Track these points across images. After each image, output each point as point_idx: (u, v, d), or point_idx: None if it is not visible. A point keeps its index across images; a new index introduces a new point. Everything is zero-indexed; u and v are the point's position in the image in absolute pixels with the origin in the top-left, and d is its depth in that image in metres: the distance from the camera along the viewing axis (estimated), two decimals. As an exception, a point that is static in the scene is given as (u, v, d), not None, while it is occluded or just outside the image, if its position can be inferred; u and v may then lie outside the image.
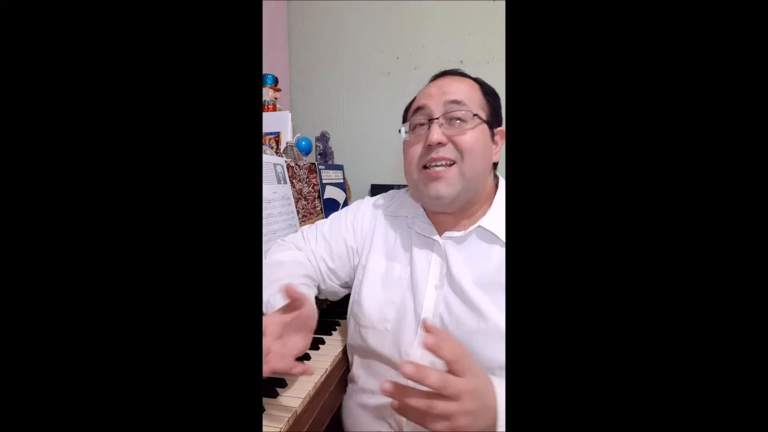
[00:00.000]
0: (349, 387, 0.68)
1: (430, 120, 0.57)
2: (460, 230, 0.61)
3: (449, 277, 0.59)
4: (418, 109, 0.60)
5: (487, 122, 0.58)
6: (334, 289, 0.72)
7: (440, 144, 0.56)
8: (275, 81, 1.18)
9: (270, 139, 1.11)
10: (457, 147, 0.56)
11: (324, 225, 0.74)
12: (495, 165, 0.64)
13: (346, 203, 1.22)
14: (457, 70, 0.64)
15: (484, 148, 0.58)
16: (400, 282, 0.63)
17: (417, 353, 0.56)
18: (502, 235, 0.58)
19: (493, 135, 0.60)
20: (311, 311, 0.54)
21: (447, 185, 0.57)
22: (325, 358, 0.71)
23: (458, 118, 0.56)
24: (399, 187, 1.31)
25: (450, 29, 1.28)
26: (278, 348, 0.49)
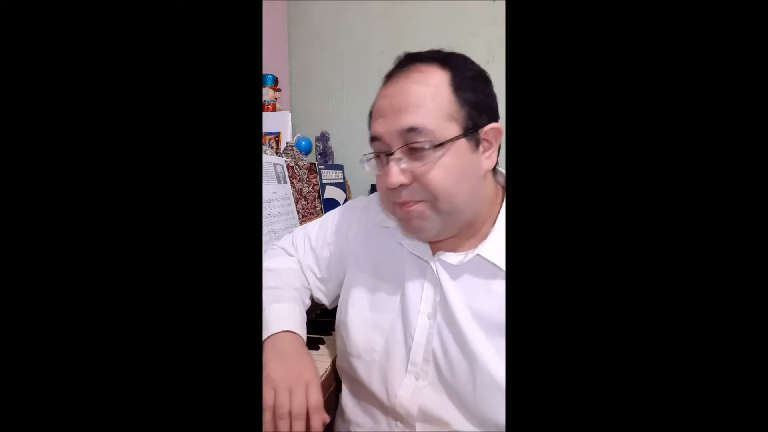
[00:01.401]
0: (338, 414, 0.62)
1: (387, 155, 0.45)
2: (458, 252, 0.50)
3: (444, 306, 0.49)
4: (372, 138, 0.47)
5: (465, 133, 0.44)
6: (323, 301, 0.66)
7: (403, 185, 0.44)
8: (275, 81, 1.18)
9: (270, 139, 1.11)
10: (425, 186, 0.44)
11: (312, 231, 0.66)
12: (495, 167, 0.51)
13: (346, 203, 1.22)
14: (417, 55, 0.48)
15: (463, 174, 0.45)
16: (389, 305, 0.54)
17: (406, 394, 0.50)
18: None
19: (478, 142, 0.46)
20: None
21: (424, 221, 0.46)
22: (325, 358, 0.71)
23: (421, 149, 0.43)
24: (399, 187, 1.31)
25: (450, 29, 1.28)
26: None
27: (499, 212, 0.50)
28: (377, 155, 0.48)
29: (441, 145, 0.43)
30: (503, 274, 0.47)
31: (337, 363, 0.62)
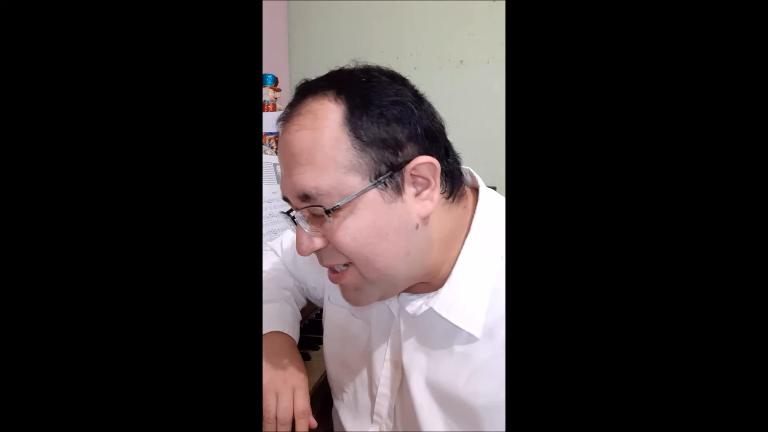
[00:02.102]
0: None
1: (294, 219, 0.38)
2: (420, 295, 0.41)
3: (406, 361, 0.43)
4: (282, 196, 0.40)
5: (375, 182, 0.35)
6: (315, 302, 0.63)
7: (319, 251, 0.38)
8: (275, 81, 1.18)
9: (270, 139, 1.11)
10: (340, 249, 0.36)
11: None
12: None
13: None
14: (309, 85, 0.39)
15: (380, 231, 0.36)
16: (357, 343, 0.48)
17: None
18: (468, 322, 0.38)
19: (399, 185, 0.36)
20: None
21: (355, 290, 0.39)
22: (324, 359, 0.71)
23: (321, 213, 0.35)
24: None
25: (450, 29, 1.28)
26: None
27: (461, 251, 0.40)
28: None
29: (339, 207, 0.34)
30: (464, 334, 0.39)
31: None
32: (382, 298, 0.41)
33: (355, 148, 0.35)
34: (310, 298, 0.63)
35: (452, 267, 0.40)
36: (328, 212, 0.35)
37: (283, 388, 0.44)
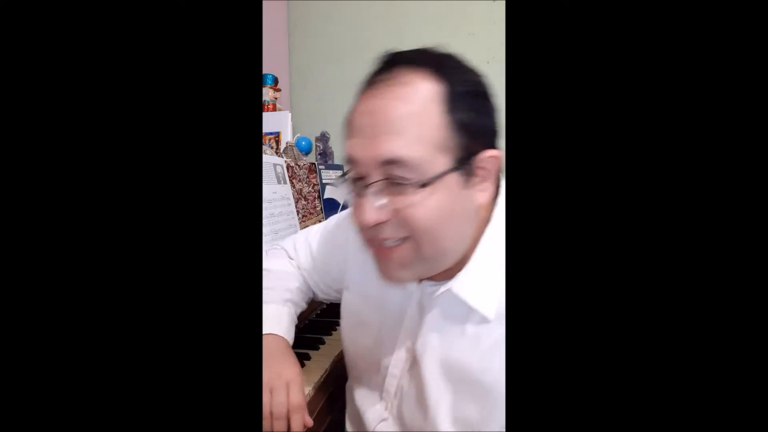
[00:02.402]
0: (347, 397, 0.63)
1: (364, 185, 0.38)
2: (439, 282, 0.43)
3: (418, 344, 0.45)
4: (348, 160, 0.40)
5: (457, 165, 0.37)
6: (329, 299, 0.65)
7: (380, 223, 0.38)
8: (275, 81, 1.18)
9: (270, 139, 1.11)
10: (405, 224, 0.37)
11: (314, 238, 0.62)
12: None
13: (346, 203, 1.22)
14: (401, 57, 0.39)
15: (452, 213, 0.37)
16: (372, 329, 0.51)
17: (371, 417, 0.50)
18: (483, 304, 0.40)
19: (472, 173, 0.38)
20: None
21: (401, 267, 0.40)
22: (325, 359, 0.71)
23: (403, 183, 0.36)
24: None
25: (450, 29, 1.28)
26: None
27: (481, 237, 0.41)
28: (353, 179, 0.40)
29: (428, 183, 0.35)
30: (477, 316, 0.40)
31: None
32: (420, 277, 0.43)
33: (447, 128, 0.36)
34: (323, 295, 0.63)
35: (472, 253, 0.41)
36: (423, 185, 0.36)
37: (277, 384, 0.44)
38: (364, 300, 0.52)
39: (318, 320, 0.83)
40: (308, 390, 0.62)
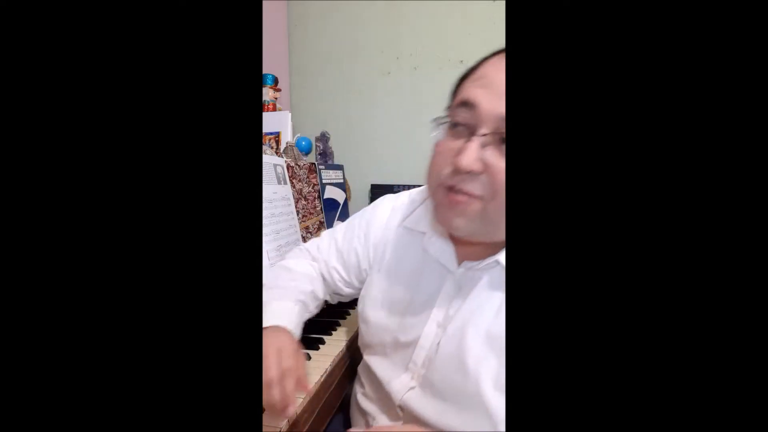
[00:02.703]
0: (356, 379, 0.66)
1: (472, 131, 0.40)
2: (481, 261, 0.47)
3: (455, 317, 0.48)
4: (464, 103, 0.41)
5: None
6: (351, 294, 0.67)
7: (471, 173, 0.40)
8: (275, 81, 1.18)
9: (270, 139, 1.11)
10: (493, 182, 0.39)
11: (339, 232, 0.66)
12: None
13: (346, 203, 1.22)
14: None
15: None
16: (398, 307, 0.54)
17: (397, 386, 0.52)
18: None
19: None
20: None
21: (463, 218, 0.43)
22: (325, 358, 0.71)
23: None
24: (399, 187, 1.32)
25: (450, 29, 1.28)
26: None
27: None
28: (456, 124, 0.42)
29: None
30: None
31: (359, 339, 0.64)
32: (471, 238, 0.46)
33: None
34: (344, 287, 0.65)
35: None
36: None
37: (268, 353, 0.45)
38: (395, 279, 0.56)
39: (318, 320, 0.83)
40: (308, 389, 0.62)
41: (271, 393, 0.43)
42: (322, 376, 0.66)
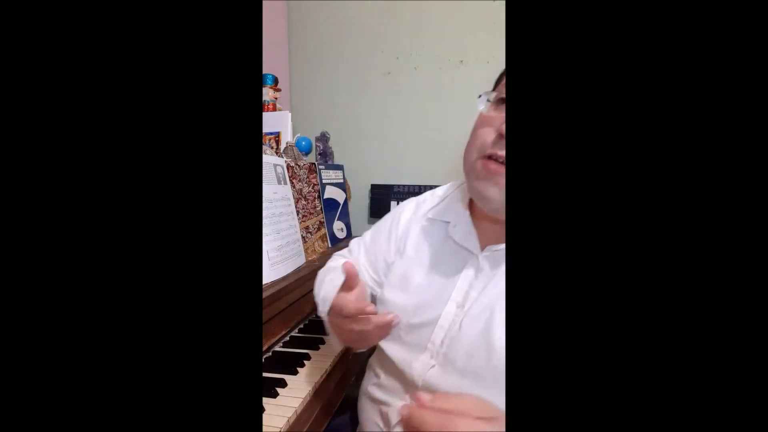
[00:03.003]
0: (367, 372, 0.65)
1: None
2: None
3: (479, 297, 0.51)
4: None
5: None
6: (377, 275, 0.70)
7: None
8: (275, 81, 1.18)
9: (270, 139, 1.11)
10: None
11: (368, 234, 0.70)
12: None
13: (345, 203, 1.22)
14: None
15: None
16: (417, 290, 0.57)
17: (418, 367, 0.53)
18: None
19: None
20: (364, 284, 0.58)
21: (499, 190, 0.46)
22: (325, 358, 0.71)
23: None
24: (399, 187, 1.32)
25: (450, 29, 1.28)
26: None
27: None
28: (503, 99, 0.47)
29: None
30: None
31: None
32: (496, 212, 0.49)
33: None
34: (379, 280, 0.67)
35: None
36: None
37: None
38: (415, 263, 0.59)
39: (318, 320, 0.83)
40: (308, 390, 0.62)
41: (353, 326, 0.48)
42: (322, 376, 0.66)
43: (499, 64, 1.23)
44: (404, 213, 0.66)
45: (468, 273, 0.53)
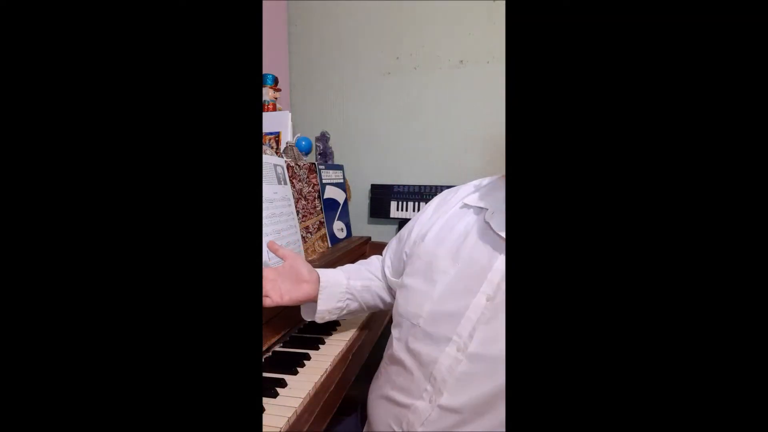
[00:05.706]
0: (382, 365, 0.63)
1: None
2: None
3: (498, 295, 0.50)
4: None
5: None
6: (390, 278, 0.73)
7: None
8: (275, 81, 1.18)
9: (270, 139, 1.11)
10: None
11: (396, 235, 0.72)
12: None
13: (346, 203, 1.22)
14: None
15: None
16: (443, 279, 0.55)
17: (446, 362, 0.51)
18: None
19: None
20: (296, 264, 0.66)
21: None
22: (325, 358, 0.71)
23: None
24: (399, 187, 1.32)
25: (450, 29, 1.28)
26: (271, 287, 0.62)
27: None
28: None
29: None
30: None
31: (393, 314, 0.64)
32: None
33: None
34: (391, 272, 0.71)
35: None
36: None
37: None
38: (443, 251, 0.57)
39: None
40: (308, 390, 0.62)
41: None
42: (322, 376, 0.66)
43: (499, 63, 1.24)
44: (433, 203, 0.67)
45: (498, 266, 0.51)
